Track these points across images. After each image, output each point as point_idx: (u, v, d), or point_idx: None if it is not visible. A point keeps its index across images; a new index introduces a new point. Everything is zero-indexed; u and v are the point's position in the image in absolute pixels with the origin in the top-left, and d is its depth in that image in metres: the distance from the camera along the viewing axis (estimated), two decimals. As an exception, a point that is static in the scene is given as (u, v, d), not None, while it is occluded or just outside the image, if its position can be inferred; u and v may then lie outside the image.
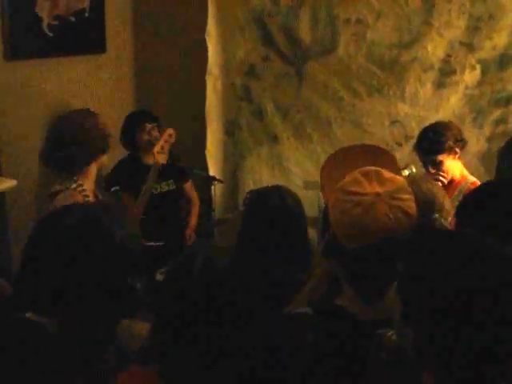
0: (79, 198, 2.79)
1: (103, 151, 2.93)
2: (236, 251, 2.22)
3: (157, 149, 3.32)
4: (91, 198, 2.87)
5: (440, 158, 3.14)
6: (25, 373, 1.48)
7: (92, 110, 3.15)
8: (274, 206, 2.31)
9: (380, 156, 1.75)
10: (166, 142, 3.35)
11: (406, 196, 1.54)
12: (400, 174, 1.70)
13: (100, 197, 3.04)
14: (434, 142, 3.15)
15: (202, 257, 1.54)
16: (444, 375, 1.20)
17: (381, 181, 1.55)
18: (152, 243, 3.59)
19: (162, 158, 3.33)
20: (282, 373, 1.50)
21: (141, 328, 1.70)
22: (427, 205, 1.97)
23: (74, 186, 2.83)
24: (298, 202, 2.39)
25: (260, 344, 1.51)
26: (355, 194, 1.52)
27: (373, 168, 1.59)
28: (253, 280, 2.07)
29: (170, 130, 3.39)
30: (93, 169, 2.91)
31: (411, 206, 1.54)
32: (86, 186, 2.87)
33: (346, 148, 1.91)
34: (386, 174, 1.57)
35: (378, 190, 1.52)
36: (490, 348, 1.16)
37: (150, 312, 1.77)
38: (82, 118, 2.92)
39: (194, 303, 1.49)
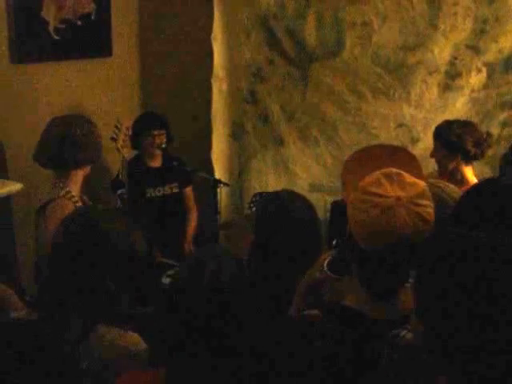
0: (69, 205, 2.80)
1: (92, 161, 2.95)
2: (250, 258, 2.21)
3: (119, 144, 3.41)
4: (79, 204, 2.87)
5: (435, 144, 3.20)
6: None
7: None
8: (292, 212, 2.25)
9: (404, 158, 1.75)
10: (125, 135, 3.43)
11: (425, 202, 1.54)
12: (423, 178, 1.69)
13: (88, 203, 3.02)
14: (441, 127, 3.18)
15: (211, 266, 1.53)
16: (456, 373, 1.20)
17: (402, 184, 1.55)
18: (167, 260, 3.63)
19: (126, 152, 3.43)
20: (291, 376, 1.50)
21: (118, 336, 1.70)
22: None
23: (62, 193, 2.84)
24: (312, 208, 2.34)
25: (268, 348, 1.51)
26: (375, 195, 1.53)
27: (395, 170, 1.59)
28: (263, 285, 2.07)
29: (126, 123, 3.49)
30: (80, 175, 2.92)
31: (430, 212, 1.54)
32: (74, 193, 2.87)
33: (371, 146, 1.90)
34: (408, 177, 1.58)
35: (399, 193, 1.52)
36: (501, 346, 1.15)
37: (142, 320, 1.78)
38: (80, 123, 2.92)
39: (202, 309, 1.49)
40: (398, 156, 1.74)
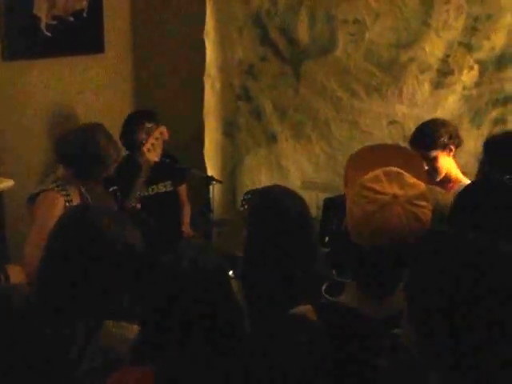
0: (58, 197, 2.80)
1: (95, 179, 2.95)
2: (245, 255, 2.20)
3: (147, 147, 3.35)
4: (74, 200, 2.87)
5: (434, 153, 3.14)
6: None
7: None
8: (283, 207, 2.24)
9: (409, 160, 1.75)
10: (156, 139, 3.37)
11: (423, 203, 1.53)
12: (425, 181, 1.69)
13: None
14: (428, 136, 3.16)
15: (189, 257, 1.54)
16: (447, 374, 1.20)
17: (401, 184, 1.54)
18: None
19: (151, 156, 3.36)
20: (280, 373, 1.50)
21: (126, 330, 1.70)
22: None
23: (52, 185, 2.83)
24: (304, 203, 2.33)
25: (257, 344, 1.51)
26: (373, 191, 1.53)
27: (396, 169, 1.58)
28: (258, 281, 2.07)
29: (162, 128, 3.41)
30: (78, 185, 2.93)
31: (426, 213, 1.53)
32: (70, 191, 2.87)
33: (378, 145, 1.89)
34: (409, 178, 1.57)
35: (397, 192, 1.52)
36: (491, 348, 1.16)
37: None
38: (112, 148, 2.93)
39: (184, 303, 1.48)
40: (404, 158, 1.74)
